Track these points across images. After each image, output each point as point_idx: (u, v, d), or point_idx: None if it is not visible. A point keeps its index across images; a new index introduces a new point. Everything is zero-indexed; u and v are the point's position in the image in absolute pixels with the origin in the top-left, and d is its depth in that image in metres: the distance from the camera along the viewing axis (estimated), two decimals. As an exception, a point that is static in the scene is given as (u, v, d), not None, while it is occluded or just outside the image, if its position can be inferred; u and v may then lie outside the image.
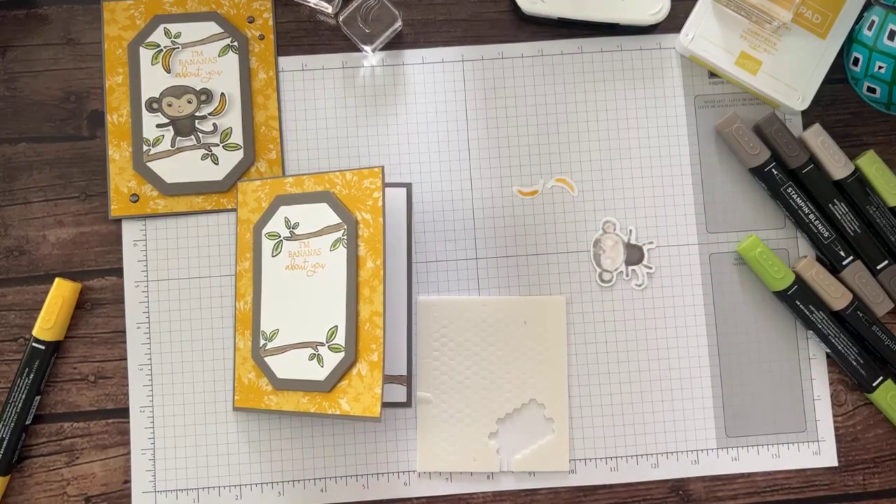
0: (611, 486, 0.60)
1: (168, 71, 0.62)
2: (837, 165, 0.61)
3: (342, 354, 0.55)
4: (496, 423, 0.60)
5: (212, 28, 0.62)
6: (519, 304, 0.61)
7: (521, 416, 0.60)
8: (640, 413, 0.61)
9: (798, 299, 0.60)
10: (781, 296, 0.60)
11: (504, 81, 0.63)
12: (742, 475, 0.61)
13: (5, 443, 0.58)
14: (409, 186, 0.60)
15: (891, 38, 0.57)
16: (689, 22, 0.61)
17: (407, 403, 0.60)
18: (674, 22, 0.62)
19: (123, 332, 0.61)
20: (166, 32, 0.62)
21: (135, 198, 0.61)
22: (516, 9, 0.62)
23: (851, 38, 0.61)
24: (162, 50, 0.62)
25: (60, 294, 0.59)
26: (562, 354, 0.61)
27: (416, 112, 0.62)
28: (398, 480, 0.60)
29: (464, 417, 0.60)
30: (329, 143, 0.62)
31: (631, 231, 0.62)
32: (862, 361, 0.60)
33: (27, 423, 0.59)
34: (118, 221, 0.62)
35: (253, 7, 0.63)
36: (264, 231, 0.59)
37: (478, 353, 0.61)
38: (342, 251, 0.56)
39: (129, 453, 0.60)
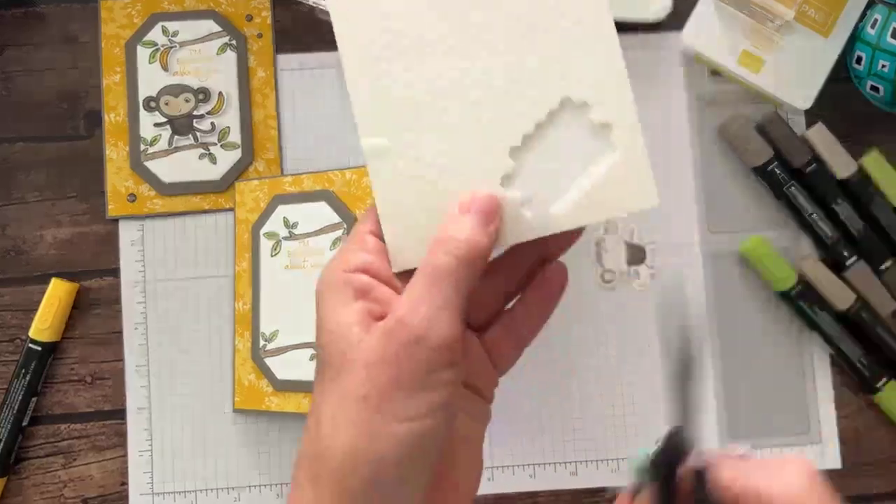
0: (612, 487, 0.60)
1: (166, 69, 0.61)
2: (841, 164, 0.60)
3: (341, 355, 0.55)
4: (510, 156, 0.37)
5: (210, 26, 0.62)
6: None
7: (551, 133, 0.37)
8: (643, 415, 0.60)
9: (802, 300, 0.60)
10: (785, 296, 0.60)
11: (504, 80, 0.62)
12: (745, 477, 0.60)
13: (2, 444, 0.58)
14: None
15: (894, 36, 0.57)
16: (691, 20, 0.61)
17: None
18: (675, 20, 0.62)
19: (121, 332, 0.60)
20: (164, 31, 0.62)
21: (132, 197, 0.61)
22: (517, 7, 0.62)
23: (854, 37, 0.60)
24: (160, 48, 0.62)
25: (57, 294, 0.59)
26: (601, 9, 0.36)
27: (416, 111, 0.62)
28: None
29: (450, 164, 0.37)
30: (328, 141, 0.62)
31: (633, 230, 0.61)
32: (866, 363, 0.60)
33: (24, 424, 0.59)
34: (115, 221, 0.61)
35: (251, 5, 0.62)
36: (263, 231, 0.59)
37: (453, 44, 0.37)
38: (341, 251, 0.56)
39: (126, 455, 0.59)
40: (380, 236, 0.37)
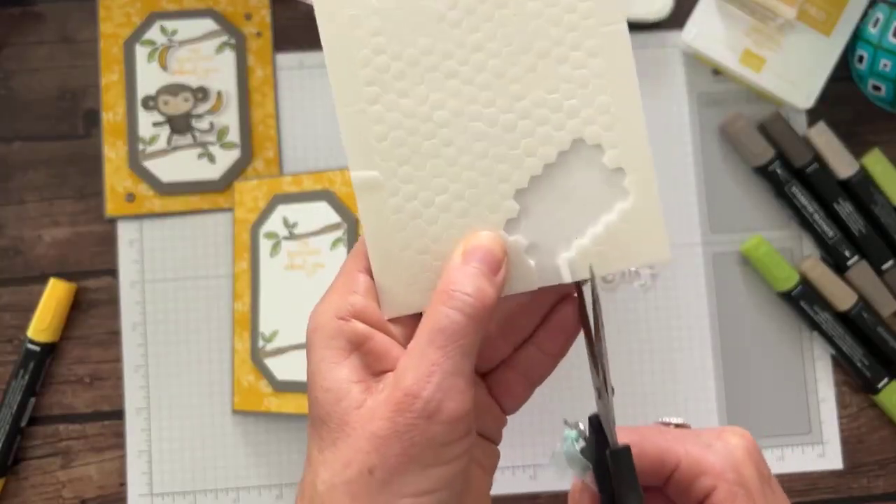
0: (613, 488, 0.60)
1: (164, 69, 0.61)
2: (842, 164, 0.60)
3: (341, 356, 0.54)
4: (515, 198, 0.34)
5: (209, 25, 0.62)
6: None
7: (561, 176, 0.34)
8: (644, 415, 0.60)
9: (803, 300, 0.59)
10: (786, 296, 0.60)
11: (505, 79, 0.62)
12: (746, 478, 0.60)
13: (0, 445, 0.57)
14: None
15: (896, 35, 0.57)
16: (693, 19, 0.61)
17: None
18: (676, 19, 0.61)
19: (119, 333, 0.60)
20: (163, 30, 0.61)
21: (130, 197, 0.60)
22: (517, 6, 0.62)
23: (856, 36, 0.60)
24: (158, 47, 0.61)
25: (55, 295, 0.59)
26: (621, 44, 0.34)
27: (416, 110, 0.62)
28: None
29: (449, 203, 0.34)
30: (327, 141, 0.61)
31: (633, 231, 0.61)
32: (867, 363, 0.60)
33: (22, 425, 0.58)
34: (114, 221, 0.61)
35: (250, 4, 0.62)
36: (262, 231, 0.59)
37: (455, 69, 0.34)
38: (342, 251, 0.56)
39: (125, 456, 0.59)
40: (372, 275, 0.35)
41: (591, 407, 0.36)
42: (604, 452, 0.34)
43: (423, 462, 0.31)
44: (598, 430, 0.34)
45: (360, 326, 0.33)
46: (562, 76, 0.34)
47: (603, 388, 0.34)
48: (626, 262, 0.34)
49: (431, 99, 0.34)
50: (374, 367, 0.33)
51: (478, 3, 0.34)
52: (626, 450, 0.33)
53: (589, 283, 0.35)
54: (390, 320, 0.34)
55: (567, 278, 0.34)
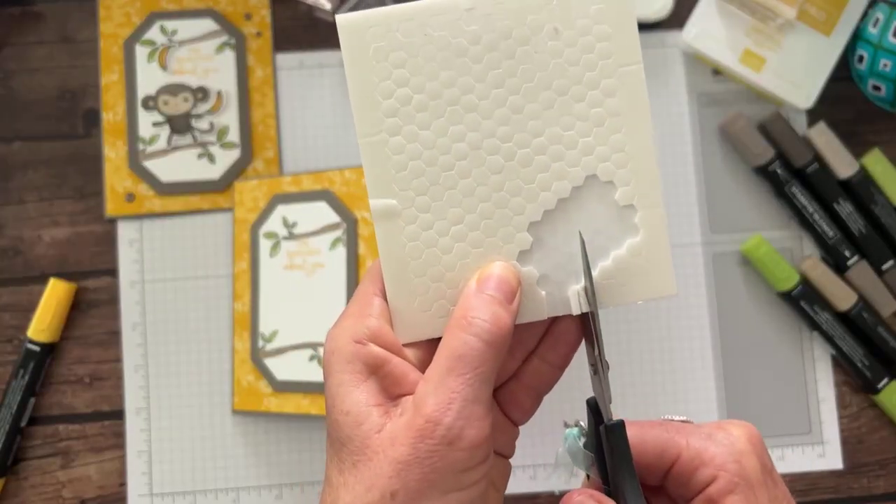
0: (613, 488, 0.60)
1: (164, 68, 0.61)
2: (842, 164, 0.60)
3: (341, 356, 0.54)
4: (528, 231, 0.36)
5: (209, 25, 0.62)
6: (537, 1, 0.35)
7: (574, 211, 0.36)
8: (644, 416, 0.60)
9: (803, 300, 0.59)
10: (786, 296, 0.60)
11: (505, 79, 0.62)
12: (746, 478, 0.60)
13: (0, 445, 0.57)
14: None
15: (896, 35, 0.57)
16: (693, 19, 0.61)
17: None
18: (677, 19, 0.61)
19: (119, 333, 0.60)
20: (163, 30, 0.61)
21: (130, 197, 0.60)
22: (517, 6, 0.62)
23: (856, 36, 0.60)
24: (158, 47, 0.61)
25: (55, 295, 0.59)
26: (637, 84, 0.36)
27: (416, 110, 0.62)
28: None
29: (465, 233, 0.35)
30: (327, 141, 0.61)
31: (633, 231, 0.61)
32: (867, 363, 0.59)
33: (22, 425, 0.58)
34: (114, 221, 0.61)
35: (250, 4, 0.62)
36: (262, 231, 0.59)
37: (475, 104, 0.35)
38: (342, 250, 0.56)
39: (124, 456, 0.59)
40: (386, 298, 0.36)
41: (584, 411, 0.36)
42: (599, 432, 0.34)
43: (443, 487, 0.32)
44: (596, 412, 0.35)
45: (376, 350, 0.34)
46: (578, 114, 0.35)
47: (598, 364, 0.34)
48: (633, 296, 0.36)
49: (451, 131, 0.35)
50: (392, 391, 0.34)
51: (500, 40, 0.35)
52: (620, 424, 0.33)
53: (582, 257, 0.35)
54: (405, 344, 0.35)
55: (576, 310, 0.36)
